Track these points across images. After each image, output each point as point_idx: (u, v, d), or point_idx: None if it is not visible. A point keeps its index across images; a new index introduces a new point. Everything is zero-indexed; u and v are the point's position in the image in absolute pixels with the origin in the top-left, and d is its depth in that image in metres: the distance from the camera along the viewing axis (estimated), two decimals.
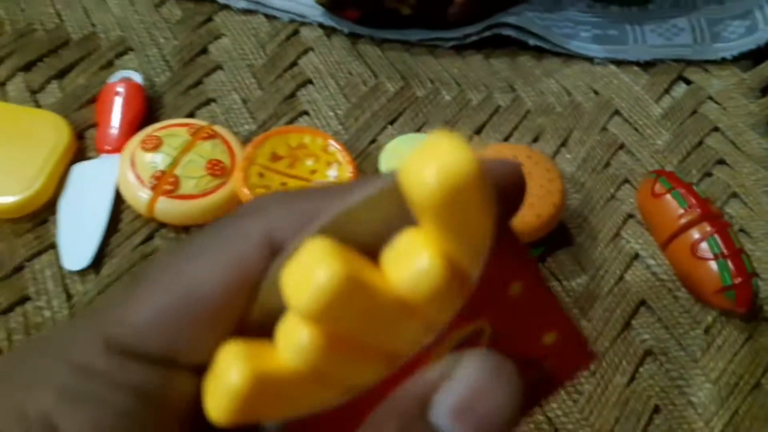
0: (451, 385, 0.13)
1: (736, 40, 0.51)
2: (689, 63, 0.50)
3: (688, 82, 0.49)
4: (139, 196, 0.38)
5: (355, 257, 0.12)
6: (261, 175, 0.39)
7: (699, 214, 0.39)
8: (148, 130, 0.40)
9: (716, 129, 0.47)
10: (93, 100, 0.44)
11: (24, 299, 0.37)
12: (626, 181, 0.44)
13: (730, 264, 0.37)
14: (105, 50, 0.47)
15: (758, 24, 0.51)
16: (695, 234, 0.38)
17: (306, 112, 0.46)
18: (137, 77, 0.44)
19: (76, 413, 0.12)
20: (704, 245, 0.38)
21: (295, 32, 0.50)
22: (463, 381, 0.13)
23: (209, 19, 0.50)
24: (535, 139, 0.46)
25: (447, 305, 0.13)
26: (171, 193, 0.38)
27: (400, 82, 0.48)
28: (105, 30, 0.48)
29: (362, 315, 0.12)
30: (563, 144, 0.46)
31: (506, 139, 0.46)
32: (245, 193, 0.38)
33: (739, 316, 0.39)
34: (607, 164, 0.45)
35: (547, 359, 0.17)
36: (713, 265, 0.38)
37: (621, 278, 0.40)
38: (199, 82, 0.46)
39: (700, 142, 0.46)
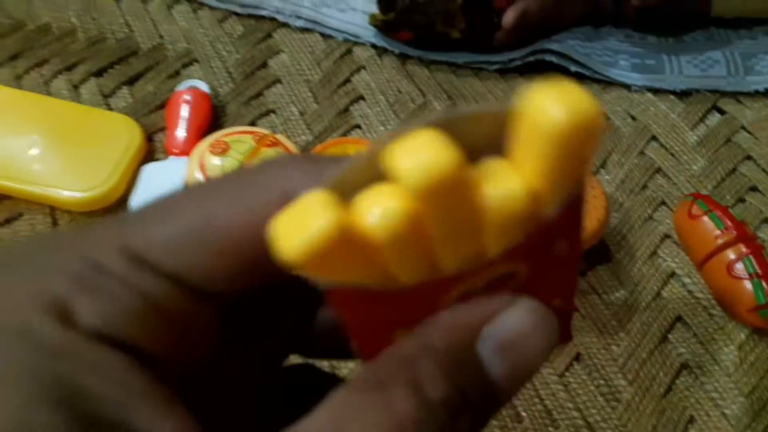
0: (502, 322, 0.14)
1: None
2: (723, 94, 0.52)
3: (722, 111, 0.51)
4: None
5: (461, 154, 0.12)
6: None
7: (735, 235, 0.41)
8: (216, 135, 0.43)
9: (749, 157, 0.49)
10: (161, 106, 0.47)
11: None
12: (663, 203, 0.46)
13: (764, 284, 0.39)
14: (172, 60, 0.50)
15: None
16: (731, 254, 0.40)
17: (358, 126, 0.49)
18: (204, 86, 0.47)
19: (90, 302, 0.12)
20: (739, 265, 0.40)
21: (349, 51, 0.53)
22: (514, 321, 0.14)
23: (269, 36, 0.52)
24: None
25: (511, 236, 0.14)
26: None
27: (446, 101, 0.51)
28: (172, 41, 0.51)
29: (448, 209, 0.13)
30: (602, 165, 0.48)
31: None
32: None
33: None
34: (645, 186, 0.47)
35: None
36: (748, 284, 0.39)
37: (658, 294, 0.42)
38: (259, 94, 0.49)
39: (734, 169, 0.48)
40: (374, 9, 0.51)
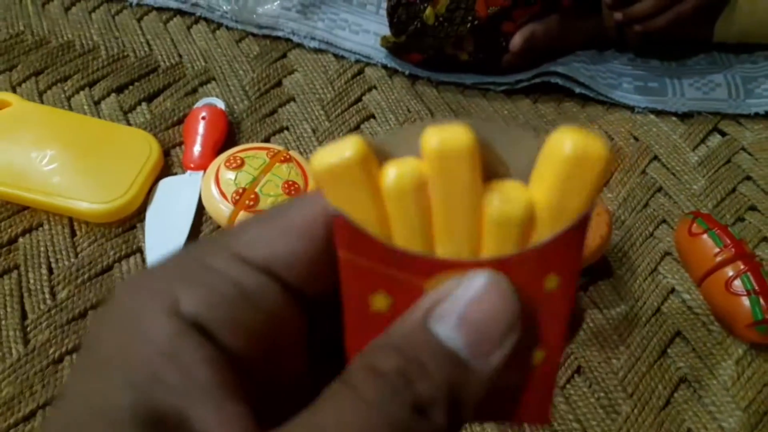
0: (452, 298, 0.15)
1: None
2: (724, 116, 0.53)
3: (722, 133, 0.53)
4: (221, 209, 0.42)
5: (478, 143, 0.14)
6: None
7: (734, 253, 0.42)
8: (232, 151, 0.45)
9: (749, 178, 0.50)
10: (178, 122, 0.49)
11: None
12: (664, 221, 0.47)
13: (761, 300, 0.40)
14: (190, 78, 0.52)
15: None
16: (729, 271, 0.42)
17: None
18: (220, 103, 0.48)
19: (192, 292, 0.15)
20: (738, 282, 0.41)
21: (361, 71, 0.54)
22: (464, 294, 0.15)
23: (284, 56, 0.54)
24: None
25: (504, 241, 0.15)
26: (251, 208, 0.42)
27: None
28: (190, 60, 0.53)
29: (454, 188, 0.14)
30: (605, 184, 0.49)
31: None
32: None
33: None
34: (646, 204, 0.48)
35: (520, 380, 0.17)
36: (746, 300, 0.41)
37: (658, 310, 0.43)
38: (274, 112, 0.51)
39: (734, 189, 0.49)
40: (386, 31, 0.53)
